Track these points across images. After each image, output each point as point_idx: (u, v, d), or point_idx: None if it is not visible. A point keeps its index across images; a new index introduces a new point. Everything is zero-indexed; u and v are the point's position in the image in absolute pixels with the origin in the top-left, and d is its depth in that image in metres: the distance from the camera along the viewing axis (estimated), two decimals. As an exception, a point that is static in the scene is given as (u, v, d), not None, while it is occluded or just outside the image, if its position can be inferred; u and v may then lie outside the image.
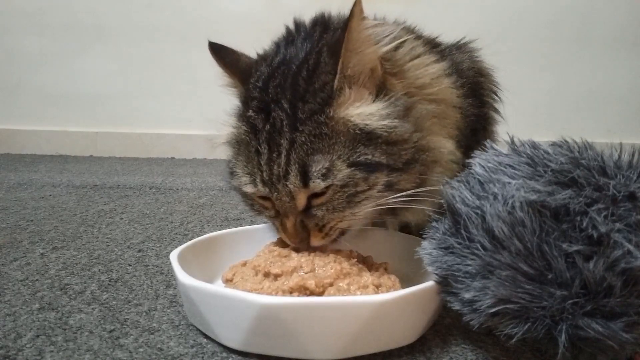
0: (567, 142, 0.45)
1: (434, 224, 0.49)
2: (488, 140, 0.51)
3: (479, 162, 0.46)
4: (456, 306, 0.44)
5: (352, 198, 0.51)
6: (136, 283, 0.63)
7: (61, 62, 2.01)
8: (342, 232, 0.55)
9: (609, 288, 0.37)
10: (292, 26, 0.60)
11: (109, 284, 0.62)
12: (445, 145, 0.56)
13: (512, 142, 0.47)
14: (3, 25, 1.99)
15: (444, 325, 0.52)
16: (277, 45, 0.59)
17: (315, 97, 0.51)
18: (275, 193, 0.52)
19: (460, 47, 0.74)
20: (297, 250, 0.54)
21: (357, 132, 0.50)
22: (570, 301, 0.38)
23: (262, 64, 0.57)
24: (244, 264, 0.55)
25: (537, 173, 0.42)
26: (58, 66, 2.01)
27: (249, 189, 0.54)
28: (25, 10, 1.98)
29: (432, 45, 0.68)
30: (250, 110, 0.54)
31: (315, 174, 0.49)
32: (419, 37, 0.67)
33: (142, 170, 1.65)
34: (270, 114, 0.52)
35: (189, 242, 0.58)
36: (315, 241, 0.54)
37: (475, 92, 0.69)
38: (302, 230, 0.53)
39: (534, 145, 0.45)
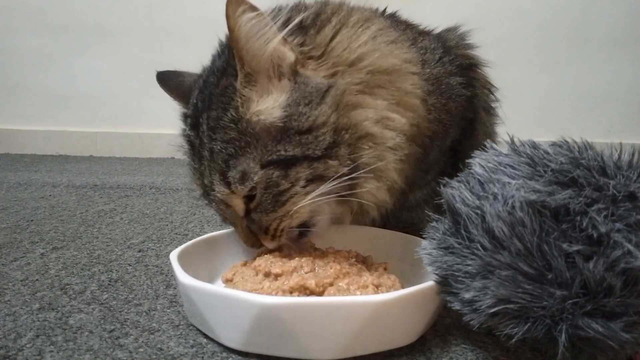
0: (567, 142, 0.45)
1: (434, 224, 0.49)
2: (488, 140, 0.50)
3: (479, 162, 0.46)
4: (456, 306, 0.44)
5: (278, 197, 0.50)
6: (136, 283, 0.63)
7: (61, 62, 2.01)
8: (301, 234, 0.54)
9: (609, 288, 0.37)
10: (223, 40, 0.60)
11: (109, 284, 0.62)
12: (368, 116, 0.52)
13: (512, 142, 0.47)
14: (3, 25, 1.99)
15: (444, 325, 0.52)
16: (213, 57, 0.59)
17: (218, 103, 0.50)
18: (213, 203, 0.54)
19: (450, 30, 0.74)
20: (288, 256, 0.54)
21: (265, 129, 0.48)
22: (570, 301, 0.38)
23: (199, 80, 0.57)
24: (244, 264, 0.55)
25: (537, 173, 0.42)
26: (58, 66, 2.01)
27: (201, 201, 0.57)
28: (25, 10, 1.98)
29: (403, 27, 0.66)
30: (188, 128, 0.56)
31: (232, 179, 0.49)
32: (380, 16, 0.64)
33: (142, 170, 1.65)
34: (199, 128, 0.53)
35: (189, 242, 0.58)
36: (267, 243, 0.54)
37: (464, 72, 0.68)
38: (251, 235, 0.54)
39: (534, 145, 0.45)
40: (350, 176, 0.50)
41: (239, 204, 0.52)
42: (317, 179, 0.49)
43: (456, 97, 0.64)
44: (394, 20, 0.67)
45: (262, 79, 0.50)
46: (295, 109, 0.49)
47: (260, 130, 0.48)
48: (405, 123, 0.54)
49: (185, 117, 0.58)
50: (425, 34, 0.70)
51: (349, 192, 0.51)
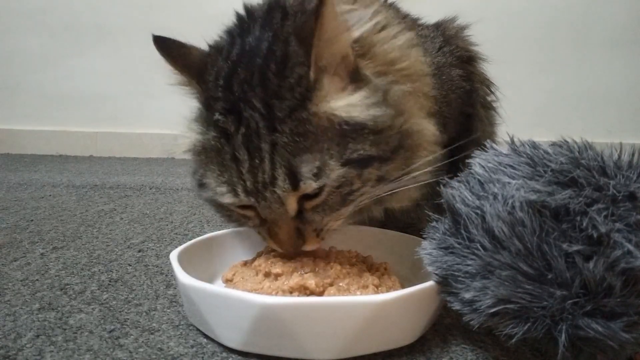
0: (567, 142, 0.45)
1: (434, 224, 0.49)
2: (488, 140, 0.50)
3: (479, 162, 0.46)
4: (456, 306, 0.44)
5: (346, 197, 0.48)
6: (136, 283, 0.63)
7: (61, 62, 2.01)
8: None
9: (609, 288, 0.37)
10: (242, 12, 0.54)
11: (109, 284, 0.62)
12: (427, 127, 0.53)
13: (512, 142, 0.47)
14: (3, 25, 1.99)
15: (444, 325, 0.52)
16: (231, 34, 0.53)
17: (292, 93, 0.46)
18: (263, 201, 0.47)
19: (449, 20, 0.73)
20: (288, 256, 0.53)
21: (344, 126, 0.46)
22: (570, 301, 0.38)
23: (218, 58, 0.51)
24: (244, 264, 0.55)
25: (537, 173, 0.42)
26: (58, 66, 2.01)
27: (227, 199, 0.49)
28: (25, 10, 1.98)
29: (402, 16, 0.65)
30: (217, 113, 0.48)
31: (306, 174, 0.45)
32: (388, 7, 0.63)
33: (142, 170, 1.65)
34: (241, 116, 0.47)
35: (189, 242, 0.58)
36: (311, 245, 0.51)
37: (464, 65, 0.67)
38: (297, 237, 0.50)
39: (534, 145, 0.45)
40: (398, 181, 0.50)
41: (293, 203, 0.48)
42: (381, 180, 0.49)
43: (456, 89, 0.62)
44: (395, 9, 0.66)
45: (333, 73, 0.48)
46: (375, 110, 0.47)
47: (338, 126, 0.46)
48: (437, 133, 0.54)
49: (210, 100, 0.49)
50: (422, 24, 0.70)
51: (388, 194, 0.51)
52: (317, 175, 0.45)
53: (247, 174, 0.47)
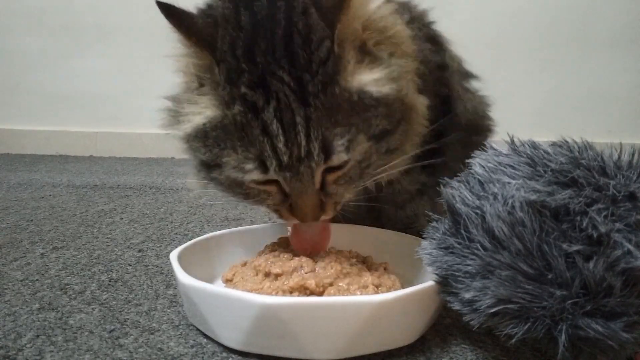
0: (567, 142, 0.45)
1: (434, 224, 0.49)
2: (488, 141, 0.51)
3: (478, 162, 0.46)
4: (456, 306, 0.44)
5: (364, 169, 0.50)
6: (136, 283, 0.63)
7: (61, 62, 2.01)
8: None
9: (609, 288, 0.37)
10: None
11: (109, 284, 0.62)
12: (421, 100, 0.54)
13: (512, 142, 0.47)
14: (3, 25, 1.99)
15: (444, 325, 0.52)
16: (234, 1, 0.50)
17: (323, 68, 0.46)
18: (295, 175, 0.47)
19: (411, 2, 0.72)
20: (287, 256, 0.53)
21: (368, 100, 0.47)
22: (570, 301, 0.38)
23: (227, 27, 0.48)
24: (244, 264, 0.55)
25: (537, 173, 0.42)
26: (58, 66, 2.01)
27: (254, 175, 0.48)
28: (25, 10, 1.98)
29: None
30: (243, 87, 0.46)
31: (338, 148, 0.46)
32: None
33: (142, 170, 1.65)
34: (270, 89, 0.46)
35: (189, 242, 0.58)
36: (329, 215, 0.52)
37: (432, 41, 0.67)
38: (319, 209, 0.51)
39: (534, 145, 0.45)
40: (395, 153, 0.52)
41: (319, 176, 0.49)
42: (389, 152, 0.51)
43: (427, 63, 0.62)
44: None
45: (352, 49, 0.48)
46: (397, 84, 0.49)
47: (363, 101, 0.47)
48: (427, 107, 0.55)
49: (232, 73, 0.47)
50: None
51: (390, 167, 0.52)
52: (347, 149, 0.47)
53: (283, 147, 0.46)
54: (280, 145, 0.46)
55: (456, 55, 0.72)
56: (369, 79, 0.47)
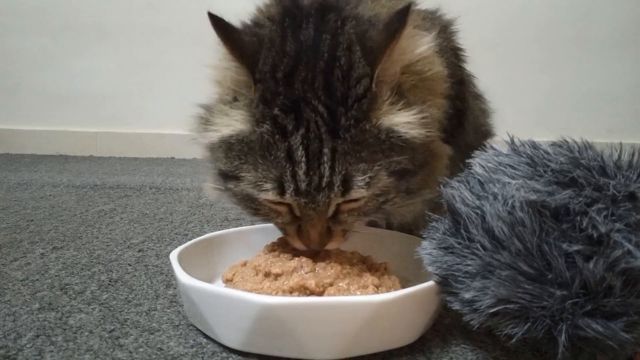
0: (567, 142, 0.45)
1: (434, 224, 0.49)
2: (488, 141, 0.51)
3: (479, 162, 0.46)
4: (456, 306, 0.44)
5: (381, 204, 0.51)
6: (136, 283, 0.63)
7: (61, 62, 2.00)
8: None
9: (609, 288, 0.37)
10: (287, 2, 0.54)
11: (109, 284, 0.62)
12: (446, 150, 0.56)
13: (512, 142, 0.47)
14: (3, 25, 1.99)
15: (444, 325, 0.52)
16: (282, 26, 0.51)
17: (359, 104, 0.47)
18: (311, 203, 0.48)
19: (438, 10, 0.72)
20: (303, 253, 0.53)
21: (396, 140, 0.48)
22: (570, 301, 0.38)
23: (272, 49, 0.49)
24: (244, 264, 0.55)
25: (537, 173, 0.42)
26: (58, 66, 2.01)
27: (270, 196, 0.49)
28: (25, 10, 1.98)
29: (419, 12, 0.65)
30: (277, 109, 0.47)
31: (359, 183, 0.47)
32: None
33: (142, 170, 1.65)
34: (302, 116, 0.47)
35: (189, 242, 0.58)
36: (336, 243, 0.53)
37: (456, 53, 0.67)
38: (326, 235, 0.52)
39: (534, 145, 0.45)
40: (415, 194, 0.53)
41: (334, 206, 0.50)
42: (408, 191, 0.52)
43: (452, 76, 0.62)
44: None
45: (387, 88, 0.49)
46: (426, 130, 0.49)
47: (391, 140, 0.48)
48: (451, 154, 0.57)
49: (268, 93, 0.48)
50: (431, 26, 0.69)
51: (406, 205, 0.54)
52: (368, 185, 0.47)
53: (303, 175, 0.47)
54: (301, 172, 0.47)
55: (470, 74, 0.73)
56: (401, 121, 0.48)
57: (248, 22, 0.55)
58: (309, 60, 0.48)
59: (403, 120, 0.48)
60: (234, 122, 0.49)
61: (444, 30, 0.66)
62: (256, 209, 0.53)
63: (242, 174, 0.49)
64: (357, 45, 0.48)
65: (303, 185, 0.47)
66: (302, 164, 0.47)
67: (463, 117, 0.67)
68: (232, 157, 0.50)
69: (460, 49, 0.71)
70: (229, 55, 0.49)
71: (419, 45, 0.51)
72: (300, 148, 0.47)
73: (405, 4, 0.47)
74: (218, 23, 0.49)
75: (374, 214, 0.52)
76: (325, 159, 0.47)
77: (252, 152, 0.48)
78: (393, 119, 0.48)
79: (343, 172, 0.47)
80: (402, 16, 0.46)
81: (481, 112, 0.76)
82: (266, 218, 0.54)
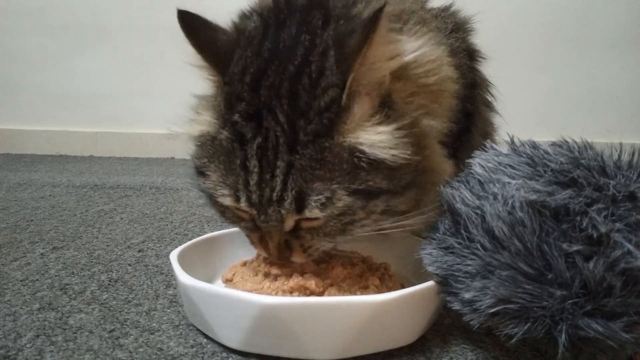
0: (567, 142, 0.45)
1: (434, 224, 0.49)
2: (488, 141, 0.50)
3: (479, 162, 0.46)
4: (456, 306, 0.44)
5: (346, 226, 0.45)
6: (136, 283, 0.63)
7: (61, 62, 2.01)
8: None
9: (609, 288, 0.37)
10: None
11: (109, 284, 0.62)
12: (445, 167, 0.50)
13: (512, 142, 0.47)
14: (3, 25, 1.99)
15: (444, 325, 0.52)
16: (265, 23, 0.48)
17: (320, 117, 0.43)
18: (263, 215, 0.45)
19: (454, 6, 0.69)
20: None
21: (363, 159, 0.43)
22: (570, 301, 0.38)
23: (248, 48, 0.46)
24: (244, 264, 0.55)
25: (537, 173, 0.42)
26: (58, 66, 2.01)
27: (227, 201, 0.47)
28: (25, 10, 1.98)
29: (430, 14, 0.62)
30: (237, 115, 0.45)
31: (313, 203, 0.43)
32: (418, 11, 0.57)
33: (142, 170, 1.65)
34: (262, 124, 0.44)
35: (189, 242, 0.58)
36: (297, 259, 0.49)
37: (468, 56, 0.64)
38: (284, 249, 0.49)
39: (534, 145, 0.45)
40: (407, 215, 0.47)
41: (291, 222, 0.46)
42: (386, 212, 0.46)
43: (464, 78, 0.59)
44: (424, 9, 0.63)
45: (365, 101, 0.44)
46: (401, 151, 0.43)
47: (360, 160, 0.43)
48: (452, 170, 0.52)
49: (233, 97, 0.46)
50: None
51: (397, 226, 0.48)
52: (324, 205, 0.43)
53: (255, 186, 0.45)
54: (252, 183, 0.44)
55: (485, 78, 0.70)
56: (372, 139, 0.43)
57: (236, 17, 0.51)
58: (281, 63, 0.45)
59: (375, 139, 0.43)
60: (204, 121, 0.48)
61: (457, 29, 0.63)
62: (222, 211, 0.51)
63: (208, 173, 0.48)
64: (333, 49, 0.44)
65: (254, 197, 0.45)
66: (255, 174, 0.44)
67: (471, 121, 0.65)
68: (203, 154, 0.49)
69: (475, 50, 0.67)
70: (197, 54, 0.48)
71: (407, 49, 0.46)
72: (255, 158, 0.44)
73: (380, 4, 0.41)
74: (185, 21, 0.47)
75: (342, 236, 0.47)
76: (278, 173, 0.43)
77: (217, 154, 0.47)
78: (362, 136, 0.43)
79: (296, 188, 0.43)
80: (373, 18, 0.41)
81: (490, 123, 0.73)
82: (232, 222, 0.52)
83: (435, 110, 0.50)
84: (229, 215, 0.51)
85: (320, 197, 0.43)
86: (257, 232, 0.50)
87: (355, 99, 0.44)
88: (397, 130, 0.44)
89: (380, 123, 0.44)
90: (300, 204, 0.44)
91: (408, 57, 0.46)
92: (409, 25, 0.51)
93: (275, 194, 0.44)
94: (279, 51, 0.45)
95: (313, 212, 0.44)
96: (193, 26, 0.48)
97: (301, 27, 0.46)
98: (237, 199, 0.46)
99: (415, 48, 0.46)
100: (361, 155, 0.43)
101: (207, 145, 0.48)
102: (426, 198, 0.48)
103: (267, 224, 0.46)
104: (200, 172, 0.49)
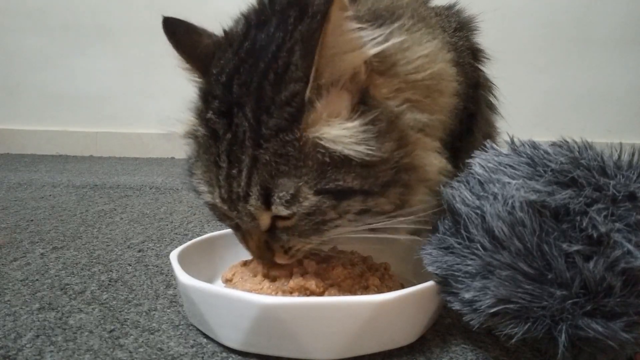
0: (567, 142, 0.45)
1: (434, 224, 0.49)
2: (488, 141, 0.50)
3: (479, 162, 0.46)
4: (456, 306, 0.44)
5: (319, 226, 0.45)
6: (136, 283, 0.63)
7: (61, 62, 2.01)
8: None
9: (609, 288, 0.37)
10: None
11: (109, 284, 0.62)
12: (433, 162, 0.48)
13: (512, 142, 0.47)
14: (3, 25, 1.99)
15: (444, 325, 0.52)
16: (248, 24, 0.48)
17: (282, 111, 0.43)
18: (235, 212, 0.46)
19: (459, 5, 0.68)
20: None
21: (326, 156, 0.42)
22: (570, 301, 0.38)
23: (228, 50, 0.47)
24: (244, 264, 0.55)
25: (537, 173, 0.42)
26: (58, 66, 2.01)
27: (207, 198, 0.48)
28: (25, 10, 1.98)
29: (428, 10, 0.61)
30: (210, 112, 0.46)
31: (277, 200, 0.43)
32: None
33: (142, 170, 1.65)
34: (233, 121, 0.44)
35: (189, 242, 0.58)
36: (280, 260, 0.49)
37: (474, 53, 0.64)
38: (266, 249, 0.48)
39: (534, 145, 0.45)
40: (391, 214, 0.46)
41: (265, 220, 0.46)
42: (364, 213, 0.45)
43: (467, 78, 0.59)
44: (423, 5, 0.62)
45: (333, 94, 0.43)
46: (366, 147, 0.42)
47: (324, 155, 0.42)
48: (445, 167, 0.50)
49: (209, 96, 0.47)
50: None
51: (383, 226, 0.47)
52: (289, 202, 0.43)
53: (224, 181, 0.45)
54: (221, 179, 0.45)
55: (489, 79, 0.69)
56: (332, 135, 0.42)
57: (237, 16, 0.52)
58: (254, 61, 0.45)
59: (338, 134, 0.42)
60: (187, 121, 0.49)
61: (460, 27, 0.63)
62: (211, 210, 0.52)
63: (194, 171, 0.49)
64: (299, 44, 0.44)
65: (224, 192, 0.46)
66: (223, 170, 0.45)
67: (474, 122, 0.64)
68: (190, 153, 0.51)
69: (479, 49, 0.66)
70: (180, 57, 0.50)
71: (371, 41, 0.44)
72: (224, 154, 0.45)
73: None
74: (168, 26, 0.50)
75: (316, 237, 0.46)
76: (243, 167, 0.44)
77: (199, 151, 0.48)
78: (325, 131, 0.42)
79: (260, 184, 0.43)
80: (324, 8, 0.40)
81: (492, 125, 0.72)
82: (219, 219, 0.52)
83: (425, 105, 0.48)
84: (217, 214, 0.51)
85: (284, 193, 0.43)
86: (239, 231, 0.50)
87: (322, 93, 0.43)
88: (366, 126, 0.43)
89: (349, 119, 0.43)
90: (266, 200, 0.44)
91: (376, 49, 0.44)
92: (402, 20, 0.50)
93: (241, 190, 0.44)
94: (254, 50, 0.46)
95: (279, 209, 0.43)
96: (176, 31, 0.50)
97: (278, 25, 0.46)
98: (213, 195, 0.47)
99: (382, 40, 0.44)
100: (324, 151, 0.42)
101: (191, 144, 0.50)
102: (414, 197, 0.47)
103: (242, 222, 0.47)
104: (188, 170, 0.51)
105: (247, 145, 0.44)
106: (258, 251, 0.49)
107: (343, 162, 0.43)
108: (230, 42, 0.48)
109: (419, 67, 0.48)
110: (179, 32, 0.51)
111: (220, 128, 0.45)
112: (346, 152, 0.42)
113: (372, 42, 0.43)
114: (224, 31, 0.50)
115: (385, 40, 0.44)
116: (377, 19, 0.48)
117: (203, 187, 0.48)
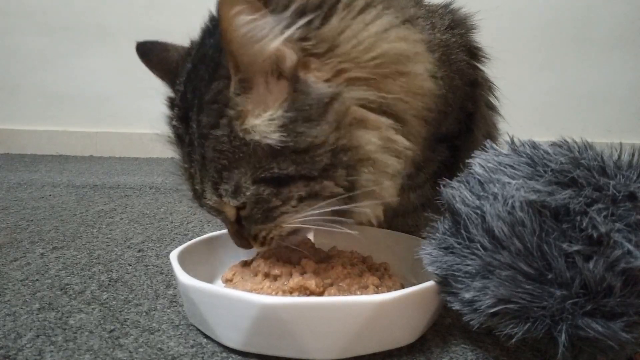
0: (567, 142, 0.45)
1: (434, 224, 0.49)
2: (488, 141, 0.50)
3: (479, 162, 0.46)
4: (456, 306, 0.44)
5: (268, 213, 0.47)
6: (136, 283, 0.63)
7: (61, 62, 2.01)
8: (291, 233, 0.50)
9: (609, 288, 0.37)
10: (215, 9, 0.49)
11: (109, 284, 0.62)
12: (371, 140, 0.47)
13: (512, 142, 0.47)
14: (3, 25, 1.99)
15: (444, 325, 0.52)
16: (204, 31, 0.52)
17: (211, 110, 0.45)
18: (204, 207, 0.51)
19: (454, 4, 0.68)
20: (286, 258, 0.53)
21: (259, 145, 0.44)
22: (570, 301, 0.38)
23: (188, 59, 0.51)
24: (244, 264, 0.55)
25: (537, 173, 0.42)
26: (58, 66, 2.01)
27: (188, 197, 0.54)
28: (25, 10, 1.98)
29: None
30: (175, 119, 0.51)
31: (224, 192, 0.47)
32: None
33: (142, 170, 1.65)
34: (189, 124, 0.48)
35: (189, 242, 0.58)
36: (256, 247, 0.52)
37: (470, 54, 0.63)
38: (241, 237, 0.52)
39: (534, 145, 0.45)
40: (343, 196, 0.47)
41: (230, 211, 0.49)
42: (310, 198, 0.46)
43: (462, 75, 0.59)
44: None
45: (258, 86, 0.45)
46: (292, 127, 0.43)
47: (255, 145, 0.44)
48: (409, 146, 0.49)
49: (171, 103, 0.52)
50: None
51: (342, 210, 0.47)
52: (234, 193, 0.46)
53: (188, 181, 0.51)
54: (186, 178, 0.51)
55: (488, 79, 0.69)
56: (253, 124, 0.44)
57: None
58: (201, 67, 0.48)
59: (258, 123, 0.44)
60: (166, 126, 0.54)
61: (456, 25, 0.63)
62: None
63: (177, 172, 0.54)
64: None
65: (191, 189, 0.51)
66: (187, 170, 0.50)
67: (472, 121, 0.64)
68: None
69: (477, 48, 0.66)
70: (154, 74, 0.57)
71: (271, 30, 0.43)
72: (186, 156, 0.50)
73: None
74: (140, 49, 0.58)
75: (270, 224, 0.48)
76: (196, 166, 0.48)
77: (176, 154, 0.53)
78: (250, 123, 0.44)
79: (210, 179, 0.47)
80: (217, 5, 0.42)
81: (493, 126, 0.72)
82: (212, 214, 0.54)
83: (377, 83, 0.47)
84: (206, 210, 0.54)
85: (227, 186, 0.46)
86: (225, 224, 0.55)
87: (246, 87, 0.44)
88: (289, 113, 0.44)
89: (273, 107, 0.44)
90: (217, 194, 0.48)
91: (282, 36, 0.43)
92: (354, 6, 0.48)
93: (199, 187, 0.49)
94: (205, 57, 0.49)
95: (229, 200, 0.47)
96: (148, 52, 0.58)
97: (216, 26, 0.47)
98: (188, 194, 0.53)
99: (286, 26, 0.43)
100: (251, 142, 0.44)
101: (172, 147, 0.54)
102: (359, 178, 0.47)
103: (212, 215, 0.53)
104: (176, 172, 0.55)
105: (196, 145, 0.47)
106: (235, 239, 0.53)
107: (276, 151, 0.44)
108: (189, 52, 0.52)
109: (367, 48, 0.47)
110: (151, 53, 0.58)
111: (182, 132, 0.50)
112: (265, 141, 0.44)
113: (276, 29, 0.43)
114: (190, 41, 0.54)
115: (290, 25, 0.43)
116: (299, 7, 0.46)
117: (183, 186, 0.53)
